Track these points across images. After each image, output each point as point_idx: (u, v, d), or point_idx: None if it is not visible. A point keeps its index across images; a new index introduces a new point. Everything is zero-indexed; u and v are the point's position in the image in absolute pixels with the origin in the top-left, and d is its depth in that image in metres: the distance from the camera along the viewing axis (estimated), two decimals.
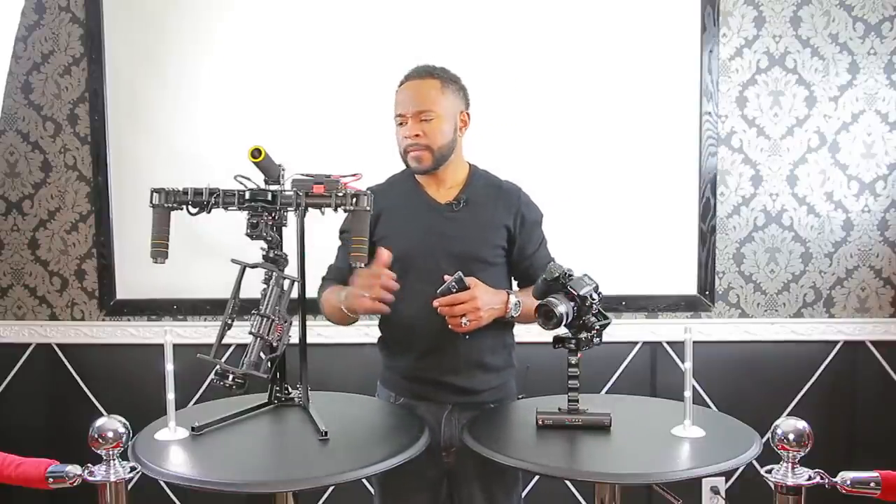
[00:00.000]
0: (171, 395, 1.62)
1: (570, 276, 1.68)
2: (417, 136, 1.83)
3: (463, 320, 1.74)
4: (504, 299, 1.81)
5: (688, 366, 1.67)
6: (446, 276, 1.74)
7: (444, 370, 1.86)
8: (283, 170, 1.71)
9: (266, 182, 1.68)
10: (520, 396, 1.98)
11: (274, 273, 1.56)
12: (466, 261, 1.86)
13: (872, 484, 1.52)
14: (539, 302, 1.66)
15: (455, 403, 1.89)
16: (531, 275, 1.86)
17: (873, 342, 2.67)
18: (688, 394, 1.67)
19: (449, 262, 1.85)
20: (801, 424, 1.56)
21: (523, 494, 2.02)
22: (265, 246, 1.60)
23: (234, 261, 1.57)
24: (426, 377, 1.88)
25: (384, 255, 1.74)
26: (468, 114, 1.93)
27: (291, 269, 1.63)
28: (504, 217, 1.91)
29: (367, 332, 2.62)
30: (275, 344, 1.51)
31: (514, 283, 2.00)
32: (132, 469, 1.54)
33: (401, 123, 1.87)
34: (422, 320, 1.80)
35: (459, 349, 1.83)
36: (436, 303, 1.74)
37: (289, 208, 1.62)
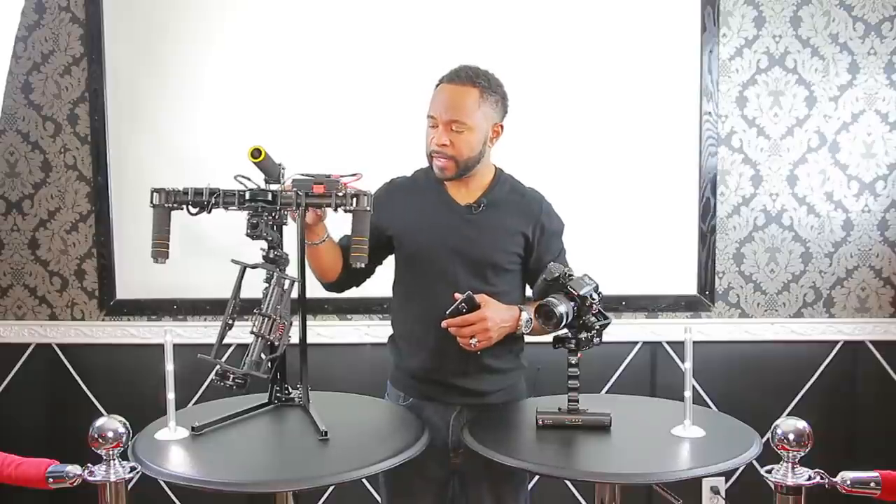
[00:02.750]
0: (171, 395, 1.63)
1: (570, 276, 1.68)
2: (444, 145, 1.80)
3: (472, 341, 1.72)
4: (516, 316, 1.79)
5: (688, 366, 1.67)
6: (457, 295, 1.72)
7: (451, 372, 1.86)
8: (283, 169, 1.71)
9: (266, 182, 1.68)
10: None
11: (275, 273, 1.56)
12: (480, 265, 1.85)
13: (872, 484, 1.52)
14: (539, 302, 1.66)
15: (463, 404, 1.88)
16: None
17: (873, 342, 2.67)
18: (688, 394, 1.67)
19: (462, 265, 1.84)
20: (801, 424, 1.56)
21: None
22: (265, 246, 1.60)
23: (234, 261, 1.58)
24: (434, 378, 1.87)
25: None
26: (502, 126, 1.89)
27: (291, 269, 1.63)
28: (522, 225, 1.89)
29: (367, 331, 2.63)
30: (276, 343, 1.51)
31: (529, 291, 1.99)
32: (132, 469, 1.55)
33: (432, 125, 1.83)
34: (431, 320, 1.79)
35: (466, 352, 1.82)
36: (444, 324, 1.72)
37: (289, 208, 1.62)
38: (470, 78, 1.82)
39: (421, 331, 1.87)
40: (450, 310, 1.72)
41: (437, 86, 1.85)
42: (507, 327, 1.78)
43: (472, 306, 1.72)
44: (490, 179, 1.92)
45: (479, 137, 1.82)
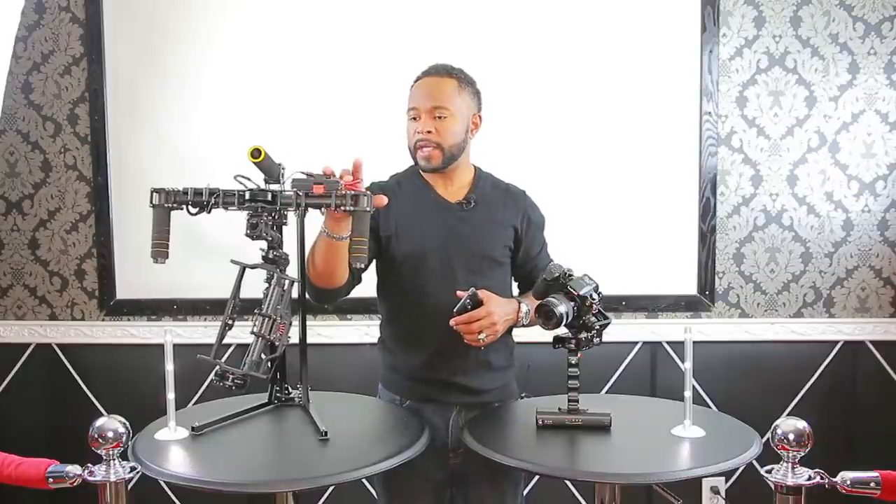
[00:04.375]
0: (171, 395, 1.63)
1: (570, 276, 1.68)
2: (429, 132, 1.82)
3: (481, 336, 1.73)
4: (516, 308, 1.82)
5: (688, 366, 1.67)
6: (459, 293, 1.74)
7: (453, 370, 1.86)
8: (283, 169, 1.71)
9: (266, 182, 1.68)
10: (522, 396, 1.98)
11: (276, 273, 1.56)
12: (479, 259, 1.87)
13: (872, 484, 1.52)
14: (539, 302, 1.66)
15: (461, 404, 1.89)
16: (534, 277, 1.86)
17: (873, 342, 2.67)
18: (688, 394, 1.67)
19: (462, 261, 1.85)
20: (801, 424, 1.56)
21: (524, 494, 2.02)
22: (265, 246, 1.60)
23: (233, 261, 1.57)
24: (435, 378, 1.87)
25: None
26: (481, 116, 1.93)
27: (291, 269, 1.63)
28: (512, 218, 1.92)
29: (367, 332, 2.63)
30: (276, 344, 1.51)
31: (514, 285, 2.01)
32: (132, 469, 1.55)
33: (413, 118, 1.86)
34: (433, 320, 1.79)
35: (468, 349, 1.82)
36: (452, 322, 1.73)
37: (289, 208, 1.62)
38: (446, 70, 1.88)
39: (421, 329, 1.86)
40: (456, 308, 1.73)
41: (414, 84, 1.89)
42: (510, 319, 1.80)
43: (476, 303, 1.74)
44: (471, 177, 1.95)
45: (461, 124, 1.85)
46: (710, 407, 2.58)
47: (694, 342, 1.68)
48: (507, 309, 1.79)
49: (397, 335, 1.95)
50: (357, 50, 2.59)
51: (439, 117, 1.82)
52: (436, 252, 1.86)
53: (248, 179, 1.61)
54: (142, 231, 1.67)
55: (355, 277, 1.86)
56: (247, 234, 1.59)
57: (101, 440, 1.54)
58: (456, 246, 1.86)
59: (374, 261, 1.92)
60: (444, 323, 1.78)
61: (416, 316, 1.88)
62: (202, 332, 2.65)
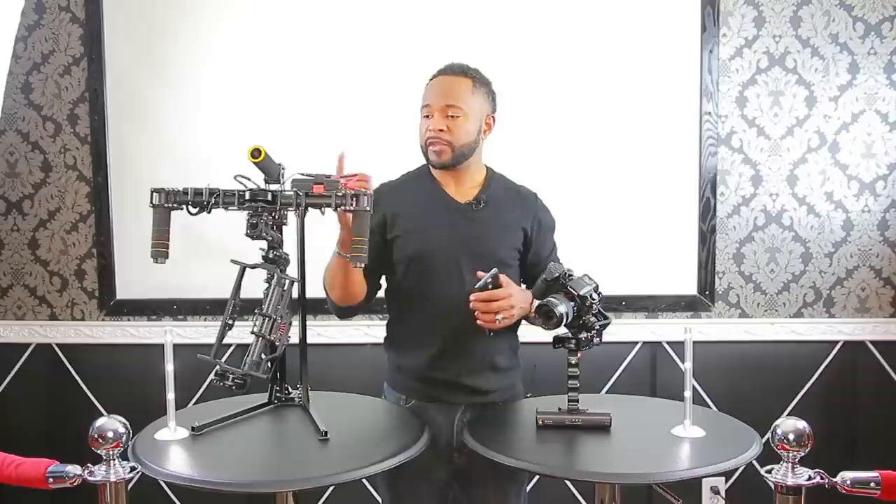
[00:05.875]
0: (171, 395, 1.63)
1: (570, 276, 1.68)
2: (441, 130, 1.82)
3: (498, 317, 1.72)
4: (530, 300, 1.81)
5: (688, 366, 1.67)
6: (480, 273, 1.73)
7: (458, 371, 1.86)
8: (283, 169, 1.71)
9: (266, 182, 1.68)
10: (527, 395, 1.98)
11: (276, 273, 1.56)
12: (486, 261, 1.85)
13: (872, 484, 1.53)
14: (539, 302, 1.66)
15: (467, 404, 1.88)
16: None
17: (873, 342, 2.67)
18: (688, 394, 1.67)
19: (469, 262, 1.84)
20: (801, 424, 1.56)
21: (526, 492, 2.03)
22: (265, 246, 1.60)
23: (233, 261, 1.57)
24: (440, 378, 1.87)
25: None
26: (494, 118, 1.92)
27: (291, 269, 1.63)
28: (522, 220, 1.91)
29: (367, 332, 2.63)
30: (276, 344, 1.51)
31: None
32: (132, 469, 1.55)
33: (427, 115, 1.86)
34: (438, 320, 1.80)
35: (473, 350, 1.82)
36: (473, 296, 1.72)
37: (289, 208, 1.62)
38: (462, 70, 1.88)
39: (427, 330, 1.86)
40: (478, 285, 1.72)
41: (429, 82, 1.89)
42: (524, 308, 1.79)
43: (497, 284, 1.73)
44: (483, 177, 1.94)
45: (473, 125, 1.85)
46: (710, 407, 2.58)
47: (694, 342, 1.68)
48: (524, 296, 1.79)
49: (403, 335, 1.95)
50: (358, 49, 2.59)
51: (452, 116, 1.82)
52: (443, 252, 1.86)
53: (248, 179, 1.62)
54: (142, 231, 1.68)
55: (375, 285, 1.89)
56: (247, 234, 1.59)
57: (101, 440, 1.54)
58: (463, 246, 1.86)
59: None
60: (449, 323, 1.77)
61: (421, 316, 1.88)
62: (202, 332, 2.65)
